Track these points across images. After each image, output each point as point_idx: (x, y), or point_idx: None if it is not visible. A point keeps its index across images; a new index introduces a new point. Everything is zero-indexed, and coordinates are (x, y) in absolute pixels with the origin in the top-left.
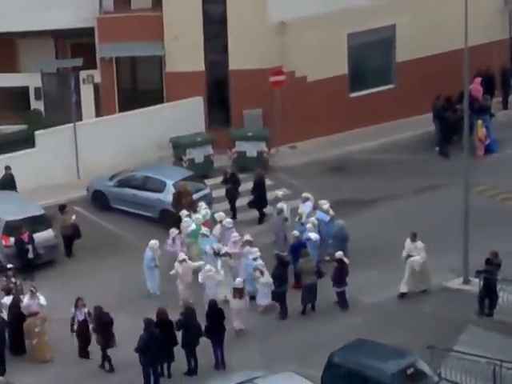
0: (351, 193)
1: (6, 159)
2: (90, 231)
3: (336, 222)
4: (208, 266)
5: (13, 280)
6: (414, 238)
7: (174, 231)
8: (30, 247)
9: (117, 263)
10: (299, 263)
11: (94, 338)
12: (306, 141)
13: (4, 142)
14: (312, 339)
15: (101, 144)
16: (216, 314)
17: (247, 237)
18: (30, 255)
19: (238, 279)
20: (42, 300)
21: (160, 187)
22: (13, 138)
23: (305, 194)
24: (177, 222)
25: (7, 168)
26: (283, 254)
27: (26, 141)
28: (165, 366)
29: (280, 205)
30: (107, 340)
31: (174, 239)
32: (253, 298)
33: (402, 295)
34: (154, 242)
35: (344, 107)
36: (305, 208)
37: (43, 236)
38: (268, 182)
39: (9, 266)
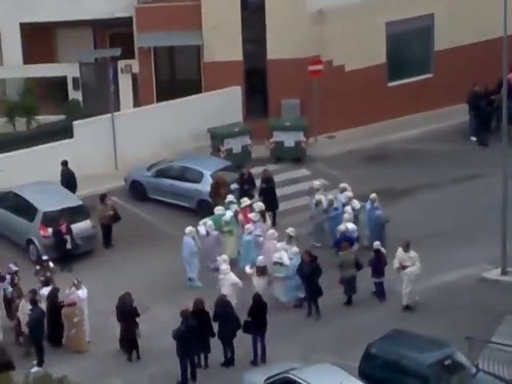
0: (389, 182)
1: (44, 149)
2: (128, 222)
3: (373, 211)
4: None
5: (50, 269)
6: (406, 247)
7: (206, 221)
8: (68, 238)
9: (154, 253)
10: (339, 256)
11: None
12: (343, 130)
13: (43, 133)
14: (349, 330)
15: (139, 134)
16: (260, 308)
17: (289, 230)
18: (68, 246)
19: (260, 257)
20: (82, 293)
21: (197, 177)
22: (51, 129)
23: (342, 184)
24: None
25: (64, 163)
26: (310, 251)
27: (64, 131)
28: (201, 356)
29: (318, 196)
30: (130, 330)
31: (208, 232)
32: (299, 306)
33: (407, 308)
34: (190, 229)
35: (382, 96)
36: (342, 198)
37: (81, 226)
38: (305, 172)
39: (44, 257)
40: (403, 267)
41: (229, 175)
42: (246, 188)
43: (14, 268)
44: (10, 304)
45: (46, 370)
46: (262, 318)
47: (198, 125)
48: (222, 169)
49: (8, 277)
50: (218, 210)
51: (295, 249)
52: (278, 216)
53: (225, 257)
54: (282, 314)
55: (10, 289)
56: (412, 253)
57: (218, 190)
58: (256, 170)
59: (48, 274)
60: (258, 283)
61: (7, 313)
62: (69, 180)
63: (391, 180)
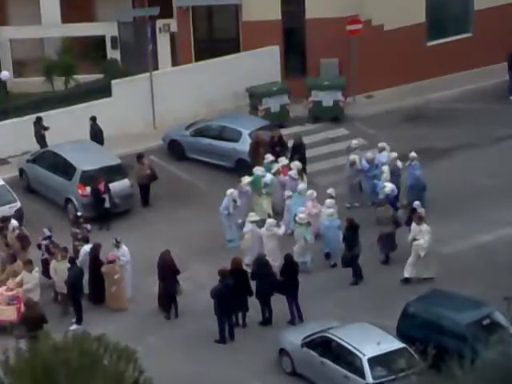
0: (428, 142)
1: (83, 108)
2: (166, 181)
3: (413, 171)
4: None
5: (87, 228)
6: (419, 220)
7: (244, 179)
8: (106, 197)
9: (192, 213)
10: (377, 212)
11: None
12: (382, 90)
13: (81, 92)
14: (387, 289)
15: (177, 93)
16: (292, 268)
17: (330, 191)
18: (107, 205)
19: (302, 215)
20: (122, 251)
21: (236, 137)
22: (90, 88)
23: (381, 144)
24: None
25: (93, 119)
26: (353, 218)
27: (102, 90)
28: (239, 315)
29: (352, 156)
30: (170, 288)
31: (240, 191)
32: (328, 255)
33: (406, 280)
34: (231, 191)
35: (421, 56)
36: (381, 158)
37: (119, 185)
38: (344, 131)
39: (79, 213)
40: (414, 240)
41: (267, 135)
42: (277, 150)
43: (48, 233)
44: (48, 263)
45: (84, 328)
46: (294, 278)
47: (236, 84)
48: (260, 128)
49: (44, 242)
50: (258, 170)
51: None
52: (317, 175)
53: (254, 214)
54: (320, 274)
55: (46, 255)
56: (424, 226)
57: (257, 149)
58: (293, 130)
59: (86, 231)
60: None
61: (45, 272)
62: (96, 136)
63: (430, 140)
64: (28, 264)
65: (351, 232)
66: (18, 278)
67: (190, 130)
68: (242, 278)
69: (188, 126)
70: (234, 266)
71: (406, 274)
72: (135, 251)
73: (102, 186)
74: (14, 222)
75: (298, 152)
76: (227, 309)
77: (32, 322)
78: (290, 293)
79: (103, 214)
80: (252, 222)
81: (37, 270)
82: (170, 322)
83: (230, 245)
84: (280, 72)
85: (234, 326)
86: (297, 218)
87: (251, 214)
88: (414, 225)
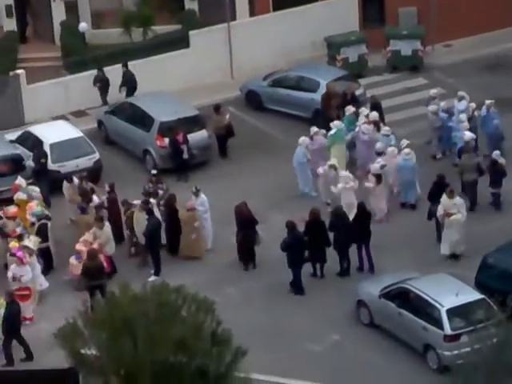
0: (507, 91)
1: (161, 59)
2: (244, 131)
3: (490, 119)
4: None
5: (160, 186)
6: (451, 194)
7: (313, 128)
8: (184, 148)
9: (270, 163)
10: (462, 159)
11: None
12: (461, 39)
13: (159, 43)
14: (466, 240)
15: (254, 44)
16: (364, 216)
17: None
18: (185, 156)
19: (376, 165)
20: (201, 201)
21: (314, 87)
22: (167, 39)
23: (460, 93)
24: (327, 123)
25: (124, 65)
26: (443, 175)
27: (180, 41)
28: (317, 266)
29: (432, 107)
30: (248, 238)
31: (312, 137)
32: (413, 206)
33: (453, 256)
34: (303, 139)
35: (500, 4)
36: (460, 107)
37: (197, 136)
38: (423, 80)
39: (153, 171)
40: (448, 214)
41: (344, 85)
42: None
43: (97, 201)
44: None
45: (163, 280)
46: (366, 226)
47: (314, 34)
48: (337, 78)
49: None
50: (335, 124)
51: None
52: (395, 125)
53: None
54: (401, 222)
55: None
56: (457, 199)
57: (328, 101)
58: (371, 80)
59: (159, 189)
60: (376, 190)
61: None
62: (129, 81)
63: (509, 89)
64: (99, 221)
65: (436, 188)
66: (90, 234)
67: (267, 80)
68: (319, 228)
69: (266, 77)
70: (312, 216)
71: (444, 251)
72: (213, 202)
73: (180, 137)
74: (74, 179)
75: (376, 110)
76: (298, 260)
77: (92, 272)
78: (362, 241)
79: (181, 165)
80: (330, 166)
81: (108, 226)
82: (248, 273)
83: (304, 194)
84: (358, 21)
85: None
86: (372, 170)
87: (332, 159)
88: (444, 198)
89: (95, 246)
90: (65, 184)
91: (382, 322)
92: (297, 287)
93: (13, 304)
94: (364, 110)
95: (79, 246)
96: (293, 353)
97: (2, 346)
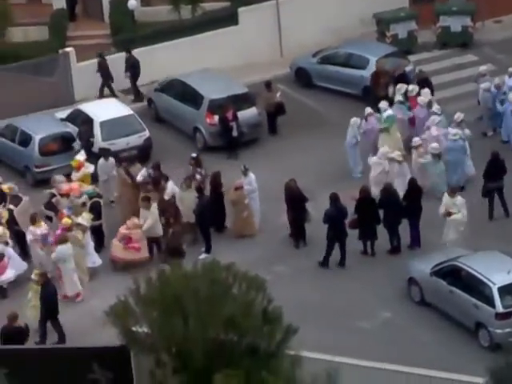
0: None
1: (210, 36)
2: (293, 109)
3: None
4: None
5: (198, 170)
6: (453, 193)
7: (367, 109)
8: (234, 125)
9: (319, 141)
10: None
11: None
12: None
13: (208, 20)
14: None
15: (304, 21)
16: (416, 192)
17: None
18: (235, 133)
19: (417, 138)
20: (249, 180)
21: (363, 64)
22: (216, 16)
23: (511, 69)
24: (375, 102)
25: (127, 51)
26: (497, 152)
27: (229, 18)
28: (368, 243)
29: (485, 84)
30: (298, 216)
31: (366, 118)
32: (462, 188)
33: None
34: (355, 120)
35: None
36: (510, 83)
37: (247, 114)
38: (472, 57)
39: (193, 154)
40: (449, 214)
41: (393, 61)
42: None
43: (145, 172)
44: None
45: (213, 257)
46: (417, 202)
47: (363, 10)
48: (387, 55)
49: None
50: (383, 104)
51: (467, 131)
52: (444, 102)
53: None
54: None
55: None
56: (458, 199)
57: (378, 79)
58: (421, 57)
59: (197, 174)
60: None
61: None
62: (133, 67)
63: None
64: (145, 201)
65: (492, 166)
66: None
67: (316, 57)
68: (370, 206)
69: (315, 54)
70: (362, 194)
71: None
72: (263, 180)
73: (229, 115)
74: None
75: (425, 86)
76: (338, 233)
77: (171, 252)
78: (412, 217)
79: (231, 143)
80: (383, 154)
81: (155, 206)
82: (298, 251)
83: (354, 174)
84: None
85: (345, 252)
86: (429, 149)
87: (385, 147)
88: (446, 197)
89: (144, 227)
90: (101, 161)
91: (433, 299)
92: (324, 260)
93: (48, 285)
94: (415, 88)
95: (123, 230)
96: (343, 330)
97: (43, 326)
